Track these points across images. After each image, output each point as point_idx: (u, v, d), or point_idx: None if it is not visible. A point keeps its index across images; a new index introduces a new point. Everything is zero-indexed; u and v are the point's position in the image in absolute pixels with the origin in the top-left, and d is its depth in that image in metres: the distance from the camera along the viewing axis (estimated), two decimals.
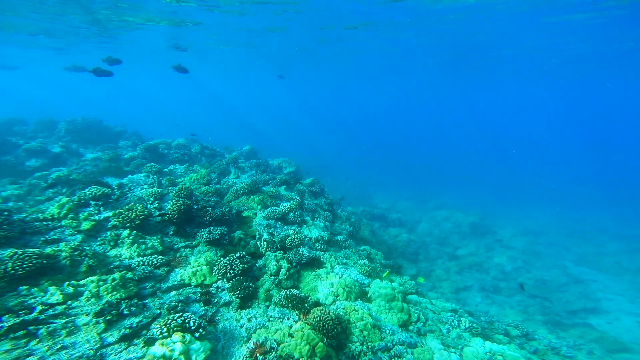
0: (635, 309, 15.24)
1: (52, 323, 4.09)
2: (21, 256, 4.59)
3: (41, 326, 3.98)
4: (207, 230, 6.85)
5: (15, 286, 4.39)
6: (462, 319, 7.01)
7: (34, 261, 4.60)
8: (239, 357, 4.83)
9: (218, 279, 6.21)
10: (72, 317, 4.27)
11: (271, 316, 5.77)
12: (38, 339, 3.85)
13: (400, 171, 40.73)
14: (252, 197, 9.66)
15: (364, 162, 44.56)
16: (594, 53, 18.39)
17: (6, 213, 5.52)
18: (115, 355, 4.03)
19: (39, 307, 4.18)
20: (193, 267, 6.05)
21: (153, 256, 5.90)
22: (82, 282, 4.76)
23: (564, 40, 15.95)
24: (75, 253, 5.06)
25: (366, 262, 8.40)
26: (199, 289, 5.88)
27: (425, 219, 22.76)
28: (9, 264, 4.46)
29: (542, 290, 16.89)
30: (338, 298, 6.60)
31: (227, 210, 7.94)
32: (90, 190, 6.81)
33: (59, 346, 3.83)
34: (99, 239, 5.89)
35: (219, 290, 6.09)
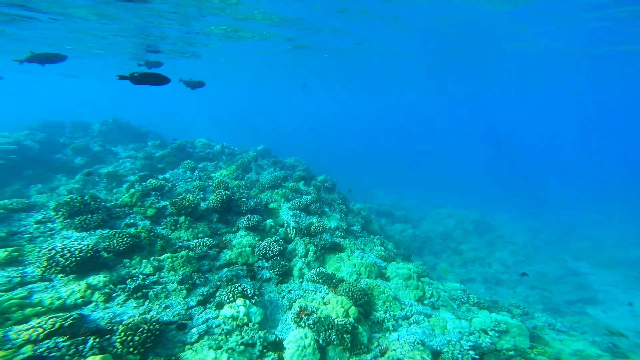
0: (625, 299, 16.15)
1: (154, 288, 5.14)
2: (120, 235, 5.64)
3: (148, 290, 5.03)
4: (246, 217, 7.86)
5: (121, 259, 5.44)
6: (470, 295, 7.99)
7: (128, 239, 5.65)
8: (287, 319, 5.83)
9: (259, 259, 7.21)
10: (164, 284, 5.33)
11: (306, 289, 6.76)
12: (149, 300, 4.90)
13: (403, 172, 41.76)
14: (275, 190, 10.67)
15: (367, 164, 45.62)
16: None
17: (99, 200, 6.58)
18: (198, 315, 5.07)
19: (141, 276, 5.22)
20: (238, 248, 7.06)
21: (205, 239, 6.91)
22: (161, 257, 5.78)
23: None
24: (150, 234, 6.08)
25: (382, 248, 9.39)
26: (244, 267, 6.88)
27: (429, 216, 23.72)
28: (115, 241, 5.51)
29: (541, 282, 17.86)
30: (360, 276, 7.59)
31: (258, 201, 8.95)
32: (151, 182, 7.83)
33: (164, 305, 4.89)
34: (161, 223, 6.90)
35: (260, 268, 7.09)
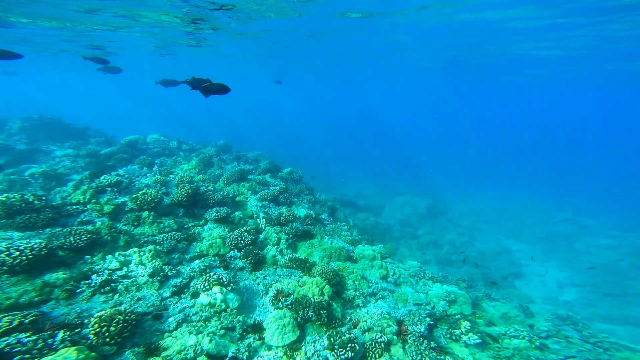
0: (542, 272, 19.21)
1: (123, 282, 4.86)
2: (77, 232, 5.17)
3: (117, 284, 4.74)
4: (214, 210, 7.74)
5: (81, 256, 5.00)
6: (426, 271, 8.95)
7: (87, 235, 5.23)
8: (265, 303, 5.99)
9: (230, 249, 7.20)
10: (134, 278, 5.07)
11: (280, 275, 6.97)
12: (119, 294, 4.63)
13: (362, 165, 43.58)
14: (242, 183, 10.57)
15: (330, 157, 46.65)
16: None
17: (44, 198, 5.85)
18: (174, 305, 4.97)
19: (107, 271, 4.88)
20: (209, 240, 6.96)
21: (172, 233, 6.68)
22: (126, 252, 5.46)
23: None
24: (112, 230, 5.69)
25: (348, 233, 9.95)
26: (216, 258, 6.83)
27: (388, 205, 25.30)
28: (71, 238, 5.03)
29: (482, 260, 20.34)
30: (331, 259, 8.03)
31: (225, 194, 8.83)
32: (106, 178, 7.20)
33: (136, 298, 4.67)
34: (122, 220, 6.45)
35: (233, 259, 7.09)
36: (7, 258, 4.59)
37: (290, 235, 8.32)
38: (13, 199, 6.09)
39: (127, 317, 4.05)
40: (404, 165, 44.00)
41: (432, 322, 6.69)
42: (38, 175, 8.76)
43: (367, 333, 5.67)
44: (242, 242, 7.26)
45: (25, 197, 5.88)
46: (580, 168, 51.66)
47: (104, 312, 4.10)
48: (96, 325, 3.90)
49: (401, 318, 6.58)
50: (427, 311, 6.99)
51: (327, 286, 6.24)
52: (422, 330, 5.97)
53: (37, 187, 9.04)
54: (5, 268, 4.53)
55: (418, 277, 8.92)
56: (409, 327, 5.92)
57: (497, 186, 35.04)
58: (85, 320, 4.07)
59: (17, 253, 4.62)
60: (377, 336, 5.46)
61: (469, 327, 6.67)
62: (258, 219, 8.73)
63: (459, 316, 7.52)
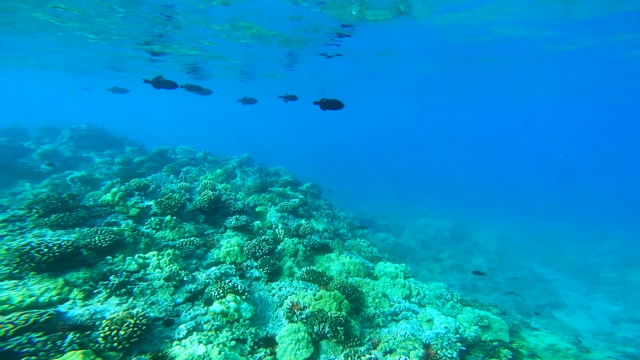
0: (587, 304, 17.31)
1: (139, 285, 4.85)
2: (102, 232, 5.32)
3: (133, 286, 4.74)
4: (234, 217, 7.73)
5: (103, 256, 5.10)
6: (454, 293, 8.27)
7: (111, 236, 5.35)
8: (279, 315, 5.72)
9: (248, 258, 7.06)
10: (150, 281, 5.05)
11: (297, 287, 6.69)
12: (134, 297, 4.61)
13: (383, 184, 42.88)
14: (262, 194, 10.61)
15: (349, 175, 46.42)
16: None
17: (78, 198, 6.18)
18: (186, 311, 4.85)
19: (125, 273, 4.91)
20: (226, 247, 6.89)
21: (192, 238, 6.69)
22: (146, 255, 5.50)
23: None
24: (134, 233, 5.80)
25: (369, 250, 9.54)
26: (233, 266, 6.71)
27: (409, 226, 24.36)
28: (96, 238, 5.18)
29: (513, 288, 18.72)
30: (350, 275, 7.64)
31: (246, 203, 8.86)
32: (135, 181, 7.50)
33: (150, 302, 4.62)
34: (145, 223, 6.59)
35: (249, 268, 6.93)
36: (36, 254, 4.73)
37: (308, 248, 8.09)
38: (52, 198, 6.44)
39: (138, 322, 3.95)
40: (427, 187, 42.71)
41: (464, 348, 6.04)
42: (77, 180, 9.30)
43: (389, 355, 5.19)
44: (260, 251, 7.12)
45: (62, 196, 6.19)
46: (629, 196, 47.24)
47: (115, 314, 4.04)
48: (107, 328, 3.82)
49: (428, 341, 6.01)
50: (458, 335, 6.35)
51: (346, 301, 5.87)
52: (454, 355, 5.38)
53: (75, 192, 9.59)
54: (33, 264, 4.66)
55: (445, 299, 8.25)
56: (438, 352, 5.36)
57: (528, 212, 32.88)
58: (97, 322, 4.01)
59: (46, 250, 4.77)
60: (401, 359, 4.97)
61: (510, 357, 5.93)
62: (277, 230, 8.60)
63: (496, 343, 6.76)
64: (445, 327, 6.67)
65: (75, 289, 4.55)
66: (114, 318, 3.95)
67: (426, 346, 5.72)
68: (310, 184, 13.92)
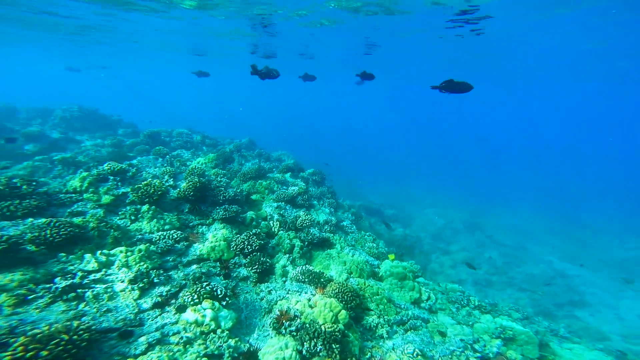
0: (615, 303, 16.04)
1: (94, 288, 4.07)
2: (57, 224, 4.53)
3: (86, 290, 3.96)
4: (222, 207, 6.87)
5: (55, 253, 4.34)
6: (471, 297, 7.29)
7: (68, 229, 4.56)
8: (265, 325, 4.90)
9: (235, 255, 6.24)
10: (110, 283, 4.27)
11: (289, 289, 5.85)
12: (85, 302, 3.83)
13: (393, 172, 41.39)
14: (259, 181, 9.69)
15: (356, 163, 45.00)
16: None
17: (34, 183, 5.40)
18: (152, 320, 4.05)
19: (80, 273, 4.14)
20: (211, 242, 6.07)
21: (172, 231, 5.89)
22: (112, 252, 4.72)
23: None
24: (102, 225, 5.02)
25: (374, 245, 8.59)
26: (217, 264, 5.90)
27: (419, 216, 23.26)
28: (47, 231, 4.40)
29: (530, 284, 17.59)
30: (351, 275, 6.75)
31: (238, 191, 7.97)
32: (109, 165, 6.70)
33: (104, 309, 3.84)
34: (119, 213, 5.82)
35: (237, 265, 6.12)
36: None
37: (306, 243, 7.20)
38: None
39: (74, 337, 3.12)
40: (438, 177, 40.92)
41: None
42: (57, 162, 8.60)
43: None
44: (249, 247, 6.27)
45: (13, 180, 5.41)
46: None
47: (39, 330, 3.15)
48: (20, 349, 2.96)
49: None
50: (478, 354, 5.41)
51: (344, 311, 4.99)
52: None
53: (57, 175, 8.92)
54: None
55: (460, 305, 7.30)
56: None
57: (548, 202, 31.00)
58: (13, 340, 3.18)
59: None
60: None
61: None
62: (271, 222, 7.73)
63: None
64: (461, 340, 5.75)
65: (3, 294, 3.79)
66: (37, 334, 3.11)
67: None
68: (313, 170, 12.91)
